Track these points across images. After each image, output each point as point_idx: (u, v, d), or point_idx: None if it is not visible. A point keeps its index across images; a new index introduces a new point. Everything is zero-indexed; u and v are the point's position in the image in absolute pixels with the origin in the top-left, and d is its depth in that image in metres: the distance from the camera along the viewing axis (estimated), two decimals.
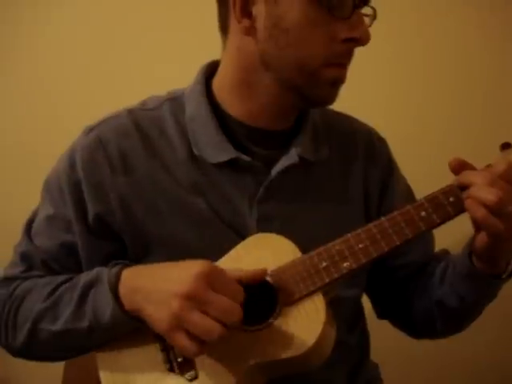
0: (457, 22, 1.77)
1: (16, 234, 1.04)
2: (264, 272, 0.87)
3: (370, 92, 1.72)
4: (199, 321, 0.79)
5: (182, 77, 1.03)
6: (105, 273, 0.90)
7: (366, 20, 0.92)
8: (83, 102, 1.74)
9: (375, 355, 1.15)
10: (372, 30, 0.92)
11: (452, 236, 1.02)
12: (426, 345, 1.23)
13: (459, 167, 0.85)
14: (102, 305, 0.88)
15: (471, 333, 1.10)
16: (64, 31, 1.77)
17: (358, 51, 0.93)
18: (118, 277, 0.88)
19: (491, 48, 1.77)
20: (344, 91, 0.95)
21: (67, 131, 1.03)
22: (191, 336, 0.80)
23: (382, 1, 0.94)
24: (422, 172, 0.92)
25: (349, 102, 1.02)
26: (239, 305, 0.81)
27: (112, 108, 1.03)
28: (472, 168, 0.85)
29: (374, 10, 0.93)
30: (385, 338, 1.31)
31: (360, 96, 1.66)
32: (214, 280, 0.81)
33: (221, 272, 0.83)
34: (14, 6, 1.75)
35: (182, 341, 0.81)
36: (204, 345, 0.80)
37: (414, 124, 1.78)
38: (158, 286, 0.84)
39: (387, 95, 1.77)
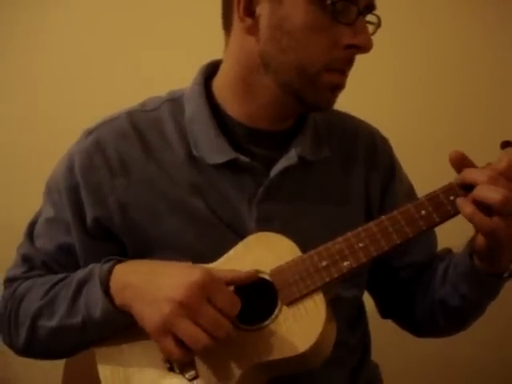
0: (459, 23, 1.78)
1: (17, 236, 1.05)
2: (255, 273, 0.87)
3: (373, 93, 1.73)
4: (188, 329, 0.80)
5: (184, 76, 1.03)
6: (97, 268, 0.91)
7: (370, 28, 0.91)
8: (80, 102, 1.75)
9: (375, 355, 1.15)
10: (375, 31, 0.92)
11: (455, 236, 1.02)
12: (426, 345, 1.23)
13: (459, 160, 0.84)
14: (94, 300, 0.89)
15: (471, 333, 1.10)
16: (60, 32, 1.79)
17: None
18: (109, 272, 0.89)
19: (493, 48, 1.78)
20: (346, 90, 0.95)
21: (64, 131, 1.04)
22: (178, 342, 0.81)
23: (385, 2, 0.94)
24: (426, 172, 0.93)
25: (353, 102, 1.02)
26: (233, 317, 0.82)
27: (109, 108, 1.03)
28: (471, 163, 0.84)
29: (379, 17, 0.92)
30: (385, 339, 1.31)
31: (364, 97, 1.66)
32: (210, 291, 0.81)
33: (219, 283, 0.83)
34: (11, 6, 1.76)
35: (168, 345, 0.82)
36: (189, 352, 0.81)
37: (418, 124, 1.79)
38: (152, 286, 0.84)
39: (391, 96, 1.78)
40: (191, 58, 1.05)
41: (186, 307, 0.80)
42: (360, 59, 0.93)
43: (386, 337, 1.28)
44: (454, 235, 1.06)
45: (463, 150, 0.85)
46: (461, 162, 0.84)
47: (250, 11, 0.90)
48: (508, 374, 1.83)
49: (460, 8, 1.78)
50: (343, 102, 1.00)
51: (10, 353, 1.01)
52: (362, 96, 1.65)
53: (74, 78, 1.78)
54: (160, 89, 1.06)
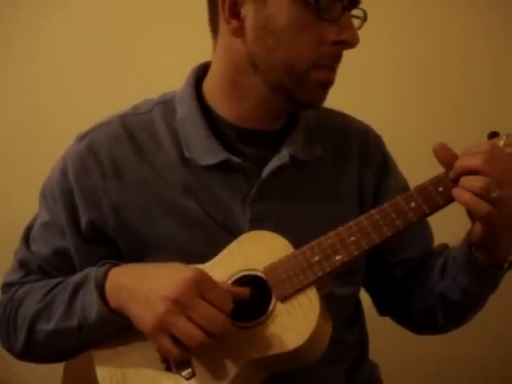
0: (458, 20, 1.77)
1: (17, 236, 1.06)
2: (247, 293, 0.88)
3: (372, 92, 1.73)
4: (183, 326, 0.80)
5: (178, 78, 1.03)
6: (93, 272, 0.92)
7: (356, 22, 0.91)
8: (80, 102, 1.76)
9: (375, 355, 1.14)
10: (374, 30, 0.91)
11: (452, 232, 1.02)
12: (426, 345, 1.22)
13: (442, 152, 0.85)
14: (90, 303, 0.90)
15: (471, 332, 1.09)
16: (60, 32, 1.79)
17: (361, 51, 0.92)
18: (105, 275, 0.90)
19: (493, 46, 1.77)
20: (346, 90, 0.95)
21: (64, 131, 1.04)
22: (175, 339, 0.81)
23: (385, 2, 0.93)
24: (424, 171, 0.92)
25: (351, 100, 1.02)
26: (227, 314, 0.82)
27: (108, 109, 1.03)
28: (455, 155, 0.85)
29: (365, 11, 0.92)
30: (385, 338, 1.30)
31: (363, 95, 1.66)
32: (203, 288, 0.82)
33: (211, 280, 0.84)
34: (11, 6, 1.77)
35: (164, 343, 0.82)
36: (187, 350, 0.82)
37: (418, 122, 1.78)
38: (146, 286, 0.85)
39: (390, 95, 1.78)
40: (191, 59, 1.04)
41: (180, 304, 0.80)
42: (359, 57, 0.92)
43: (385, 336, 1.27)
44: (449, 233, 1.06)
45: (461, 147, 0.85)
46: (444, 153, 0.85)
47: (235, 13, 0.90)
48: (508, 374, 1.82)
49: (458, 2, 1.77)
50: (342, 100, 1.00)
51: (10, 355, 1.01)
52: (359, 93, 1.66)
53: (74, 78, 1.78)
54: (160, 90, 1.07)
